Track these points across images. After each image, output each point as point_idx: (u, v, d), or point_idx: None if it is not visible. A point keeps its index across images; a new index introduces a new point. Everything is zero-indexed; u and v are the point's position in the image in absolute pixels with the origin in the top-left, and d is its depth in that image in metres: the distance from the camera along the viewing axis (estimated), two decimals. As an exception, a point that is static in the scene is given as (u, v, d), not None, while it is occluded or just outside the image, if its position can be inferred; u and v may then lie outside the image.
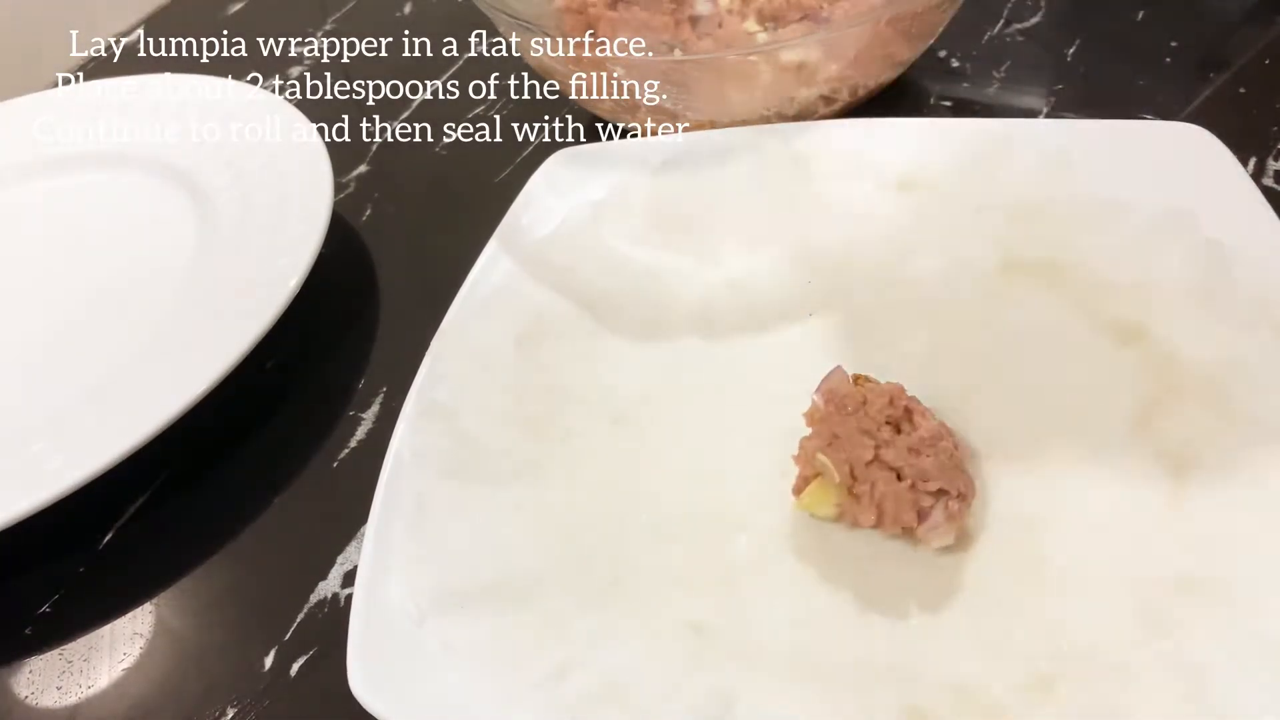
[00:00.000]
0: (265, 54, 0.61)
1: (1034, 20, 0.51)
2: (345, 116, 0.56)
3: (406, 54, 0.59)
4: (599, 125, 0.48)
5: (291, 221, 0.42)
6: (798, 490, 0.31)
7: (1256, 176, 0.41)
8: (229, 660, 0.33)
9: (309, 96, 0.57)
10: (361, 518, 0.31)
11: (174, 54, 0.64)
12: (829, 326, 0.36)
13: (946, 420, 0.31)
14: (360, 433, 0.39)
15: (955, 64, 0.50)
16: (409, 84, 0.56)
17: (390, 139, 0.53)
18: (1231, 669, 0.25)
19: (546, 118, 0.52)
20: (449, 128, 0.53)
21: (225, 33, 0.65)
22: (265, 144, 0.47)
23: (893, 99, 0.47)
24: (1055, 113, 0.46)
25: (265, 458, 0.39)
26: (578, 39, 0.42)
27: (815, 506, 0.31)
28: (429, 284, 0.44)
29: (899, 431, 0.30)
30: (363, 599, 0.29)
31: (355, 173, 0.52)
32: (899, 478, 0.29)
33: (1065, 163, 0.37)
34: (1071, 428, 0.32)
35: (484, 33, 0.59)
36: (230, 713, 0.31)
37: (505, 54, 0.54)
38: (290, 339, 0.41)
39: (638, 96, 0.43)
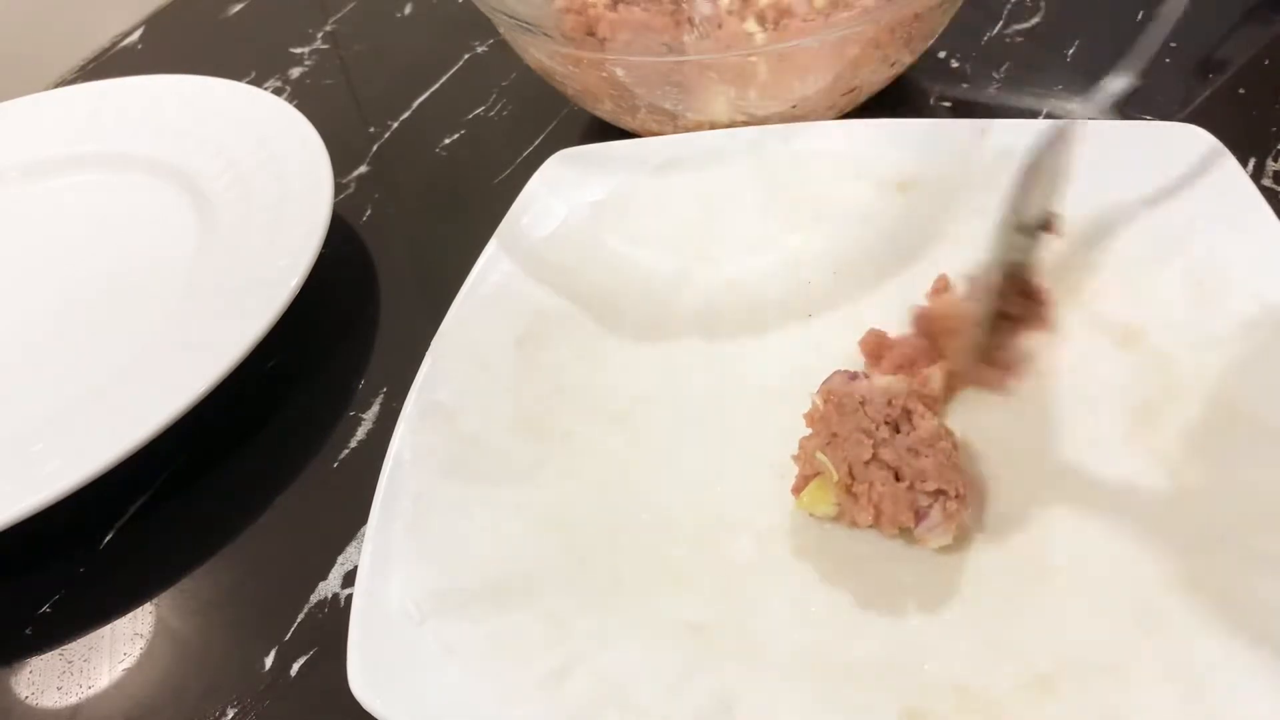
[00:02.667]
0: (265, 54, 0.61)
1: (1033, 21, 0.51)
2: (345, 116, 0.56)
3: (406, 54, 0.59)
4: (599, 125, 0.48)
5: (291, 222, 0.43)
6: (797, 490, 0.31)
7: (1256, 177, 0.41)
8: (229, 660, 0.33)
9: (309, 97, 0.57)
10: (361, 518, 0.31)
11: (174, 54, 0.64)
12: (829, 327, 0.36)
13: (946, 421, 0.31)
14: (360, 433, 0.39)
15: (955, 65, 0.50)
16: (409, 84, 0.56)
17: (390, 139, 0.53)
18: (1231, 669, 0.25)
19: (547, 119, 0.52)
20: (449, 128, 0.53)
21: (225, 33, 0.66)
22: (265, 144, 0.47)
23: (893, 99, 0.47)
24: (1054, 114, 0.46)
25: (265, 458, 0.39)
26: (577, 40, 0.42)
27: (814, 506, 0.31)
28: (429, 284, 0.44)
29: (898, 431, 0.30)
30: (363, 599, 0.29)
31: (355, 173, 0.52)
32: (897, 478, 0.29)
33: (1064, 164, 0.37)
34: (1071, 428, 0.32)
35: (484, 33, 0.59)
36: (230, 713, 0.31)
37: (505, 54, 0.54)
38: (290, 339, 0.41)
39: (638, 97, 0.43)
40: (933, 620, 0.28)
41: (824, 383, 0.32)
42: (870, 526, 0.30)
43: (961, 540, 0.30)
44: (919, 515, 0.29)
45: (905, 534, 0.30)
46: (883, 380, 0.32)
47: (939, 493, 0.29)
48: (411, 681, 0.27)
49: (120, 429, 0.35)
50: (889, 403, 0.31)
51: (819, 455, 0.30)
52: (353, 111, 0.56)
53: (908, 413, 0.31)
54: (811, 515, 0.31)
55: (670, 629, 0.29)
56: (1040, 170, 0.32)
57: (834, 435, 0.30)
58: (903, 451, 0.30)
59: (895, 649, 0.28)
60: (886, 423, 0.31)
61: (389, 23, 0.63)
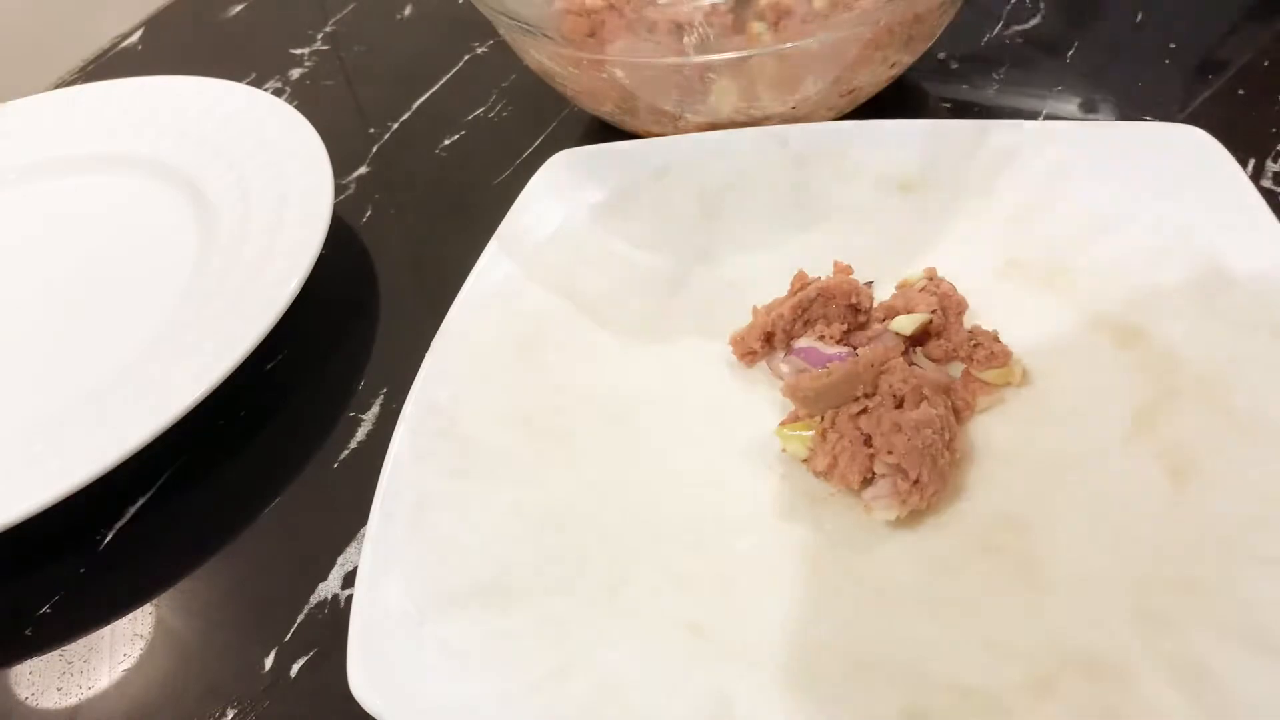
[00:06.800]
0: (265, 55, 0.61)
1: (1033, 22, 0.51)
2: (345, 117, 0.56)
3: (406, 55, 0.59)
4: (599, 126, 0.48)
5: (292, 223, 0.43)
6: (784, 423, 0.32)
7: (1255, 178, 0.41)
8: (229, 661, 0.33)
9: (309, 97, 0.58)
10: (361, 518, 0.31)
11: (174, 55, 0.64)
12: (829, 327, 0.36)
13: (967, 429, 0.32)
14: (360, 433, 0.39)
15: (955, 66, 0.50)
16: (409, 84, 0.57)
17: (390, 139, 0.53)
18: (1231, 669, 0.25)
19: (547, 119, 0.52)
20: (449, 128, 0.53)
21: (225, 33, 0.66)
22: (265, 145, 0.48)
23: (893, 100, 0.47)
24: (1054, 115, 0.46)
25: (265, 458, 0.39)
26: (578, 41, 0.42)
27: (790, 441, 0.32)
28: (429, 284, 0.44)
29: (899, 407, 0.31)
30: (363, 599, 0.29)
31: (355, 174, 0.52)
32: (869, 442, 0.30)
33: (1064, 165, 0.37)
34: (1071, 428, 0.32)
35: (484, 34, 0.59)
36: (230, 713, 0.31)
37: (505, 55, 0.54)
38: (290, 339, 0.41)
39: (638, 98, 0.43)
40: (933, 620, 0.28)
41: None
42: (822, 475, 0.31)
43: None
44: (866, 480, 0.30)
45: (854, 494, 0.31)
46: (931, 367, 0.33)
47: (898, 469, 0.29)
48: (411, 681, 0.27)
49: (120, 429, 0.35)
50: (903, 379, 0.31)
51: None
52: (353, 112, 0.56)
53: (920, 396, 0.31)
54: (783, 450, 0.32)
55: (670, 629, 0.29)
56: None
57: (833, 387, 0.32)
58: (886, 424, 0.30)
59: (895, 649, 0.28)
60: (894, 395, 0.31)
61: (389, 24, 0.63)
